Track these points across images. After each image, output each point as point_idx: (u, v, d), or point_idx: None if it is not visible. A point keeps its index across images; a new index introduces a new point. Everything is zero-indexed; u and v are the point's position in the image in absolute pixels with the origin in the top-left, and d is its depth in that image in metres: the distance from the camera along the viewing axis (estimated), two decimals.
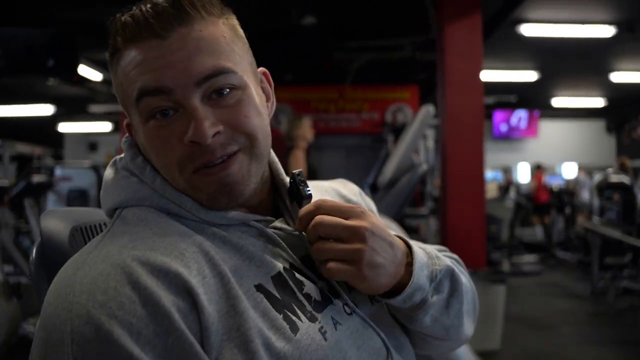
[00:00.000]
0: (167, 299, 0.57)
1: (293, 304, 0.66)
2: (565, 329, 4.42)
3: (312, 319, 0.66)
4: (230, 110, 0.66)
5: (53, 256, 0.75)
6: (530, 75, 8.77)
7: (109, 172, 0.75)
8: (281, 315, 0.63)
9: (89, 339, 0.54)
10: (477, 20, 4.54)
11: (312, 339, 0.63)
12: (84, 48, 5.57)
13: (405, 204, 2.66)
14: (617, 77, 8.93)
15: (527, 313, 4.96)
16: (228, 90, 0.66)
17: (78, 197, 5.93)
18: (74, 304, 0.56)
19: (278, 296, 0.65)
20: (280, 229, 0.73)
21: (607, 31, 6.32)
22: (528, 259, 8.07)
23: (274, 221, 0.73)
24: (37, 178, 5.04)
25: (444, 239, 4.51)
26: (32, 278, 0.77)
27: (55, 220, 0.79)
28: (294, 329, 0.63)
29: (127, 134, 0.74)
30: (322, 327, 0.65)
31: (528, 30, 6.26)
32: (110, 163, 0.76)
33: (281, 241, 0.70)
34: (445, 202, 4.48)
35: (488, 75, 7.51)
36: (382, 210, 2.60)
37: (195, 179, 0.66)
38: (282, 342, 0.61)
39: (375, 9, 5.68)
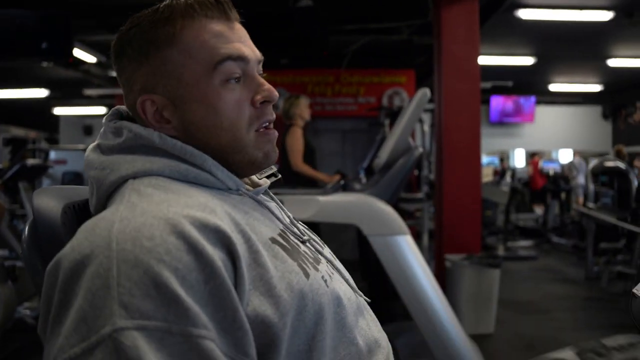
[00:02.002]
0: (210, 250, 0.60)
1: (300, 256, 0.75)
2: (559, 313, 4.45)
3: (316, 269, 0.75)
4: None
5: (45, 234, 0.75)
6: (527, 61, 8.75)
7: (95, 155, 0.76)
8: (296, 263, 0.72)
9: (137, 282, 0.56)
10: (474, 4, 4.51)
11: (319, 284, 0.73)
12: (78, 30, 5.51)
13: (400, 187, 2.66)
14: (614, 62, 8.92)
15: (522, 297, 4.99)
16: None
17: (73, 180, 5.92)
18: (118, 250, 0.57)
19: (289, 247, 0.74)
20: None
21: (604, 16, 6.30)
22: (523, 244, 8.11)
23: (258, 192, 0.83)
24: (31, 161, 5.02)
25: (440, 223, 4.53)
26: (24, 257, 0.76)
27: (47, 198, 0.78)
28: (307, 274, 0.72)
29: (110, 117, 0.80)
30: (322, 276, 0.75)
31: (525, 14, 6.23)
32: (93, 147, 0.78)
33: (271, 209, 0.81)
34: (441, 187, 4.49)
35: (485, 60, 7.49)
36: (377, 193, 2.59)
37: (258, 138, 0.78)
38: (301, 283, 0.69)
39: None
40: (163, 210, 0.63)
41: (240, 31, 0.79)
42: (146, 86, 0.76)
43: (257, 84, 0.78)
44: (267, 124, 0.79)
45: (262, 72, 0.81)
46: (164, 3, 0.77)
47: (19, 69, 8.32)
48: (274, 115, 0.81)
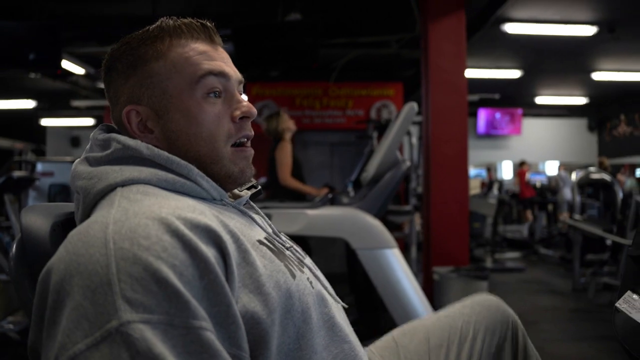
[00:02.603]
0: (203, 247, 0.63)
1: (286, 258, 0.78)
2: (546, 324, 4.47)
3: (301, 271, 0.78)
4: None
5: (33, 252, 0.75)
6: (513, 74, 8.84)
7: (83, 167, 0.78)
8: (283, 264, 0.75)
9: (138, 278, 0.57)
10: (462, 18, 4.56)
11: (305, 284, 0.76)
12: (66, 42, 5.50)
13: (388, 200, 2.68)
14: (599, 76, 9.04)
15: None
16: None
17: (59, 192, 5.86)
18: (116, 249, 0.59)
19: (276, 249, 0.78)
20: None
21: (588, 31, 6.40)
22: (511, 256, 8.14)
23: (240, 202, 0.87)
24: (18, 173, 4.97)
25: (427, 236, 4.54)
26: (11, 274, 0.76)
27: (36, 216, 0.78)
28: (293, 275, 0.75)
29: (99, 131, 0.83)
30: (308, 278, 0.79)
31: (511, 29, 6.31)
32: (81, 160, 0.80)
33: (254, 220, 0.85)
34: (429, 199, 4.51)
35: (472, 73, 7.57)
36: (365, 207, 2.60)
37: (235, 153, 0.83)
38: (288, 282, 0.72)
39: (361, 6, 5.69)
40: (155, 212, 0.65)
41: (223, 54, 0.85)
42: (132, 97, 0.81)
43: (237, 100, 0.84)
44: (245, 139, 0.85)
45: (242, 92, 0.87)
46: (154, 24, 0.83)
47: (6, 79, 8.27)
48: (252, 132, 0.86)
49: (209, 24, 0.86)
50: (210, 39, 0.84)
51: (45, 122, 12.52)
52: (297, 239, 0.99)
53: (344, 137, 7.87)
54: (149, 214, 0.64)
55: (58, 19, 4.93)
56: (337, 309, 0.83)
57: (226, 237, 0.68)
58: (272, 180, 4.01)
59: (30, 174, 5.35)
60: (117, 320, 0.55)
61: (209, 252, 0.63)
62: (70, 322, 0.56)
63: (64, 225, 0.80)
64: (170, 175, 0.75)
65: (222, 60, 0.84)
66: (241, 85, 0.87)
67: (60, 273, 0.60)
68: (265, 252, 0.74)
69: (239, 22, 4.54)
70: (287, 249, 0.85)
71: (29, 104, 10.53)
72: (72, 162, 6.17)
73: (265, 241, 0.78)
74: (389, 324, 2.98)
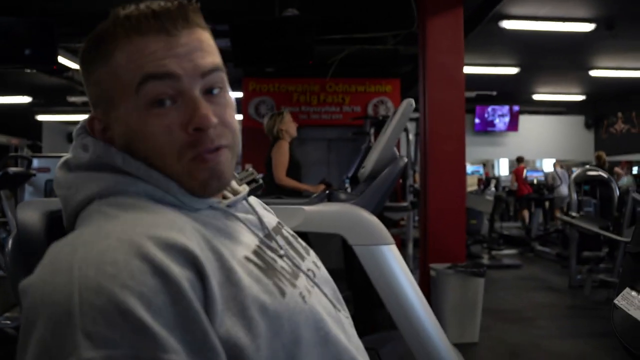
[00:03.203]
0: (176, 270, 0.58)
1: (277, 273, 0.72)
2: (542, 321, 4.48)
3: (293, 286, 0.72)
4: (221, 108, 0.72)
5: (29, 247, 0.74)
6: (511, 70, 8.85)
7: (62, 173, 0.75)
8: (271, 282, 0.69)
9: (101, 309, 0.53)
10: (459, 14, 4.56)
11: (296, 302, 0.70)
12: (62, 37, 5.48)
13: (385, 197, 2.67)
14: (597, 73, 9.05)
15: (506, 306, 5.02)
16: (218, 90, 0.73)
17: None
18: (80, 277, 0.55)
19: (264, 266, 0.71)
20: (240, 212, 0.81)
21: (586, 27, 6.41)
22: (507, 252, 8.16)
23: (233, 205, 0.80)
24: (14, 169, 4.95)
25: (424, 232, 4.54)
26: (7, 270, 0.76)
27: (31, 211, 0.77)
28: (282, 293, 0.69)
29: (79, 132, 0.77)
30: (300, 292, 0.73)
31: (509, 25, 6.31)
32: (61, 164, 0.76)
33: (246, 223, 0.78)
34: (426, 196, 4.51)
35: (469, 70, 7.56)
36: (362, 203, 2.60)
37: (192, 166, 0.71)
38: (276, 304, 0.67)
39: (358, 2, 5.68)
40: (127, 232, 0.60)
41: (185, 45, 0.70)
42: (92, 104, 0.75)
43: (192, 107, 0.69)
44: (209, 152, 0.71)
45: (218, 83, 0.73)
46: (104, 22, 0.73)
47: (2, 75, 8.24)
48: (221, 142, 0.72)
49: (171, 5, 0.71)
50: (166, 31, 0.69)
51: (41, 117, 12.50)
52: (300, 236, 0.95)
53: (341, 133, 7.87)
54: (120, 234, 0.60)
55: (53, 15, 4.90)
56: (336, 319, 0.78)
57: (206, 257, 0.63)
58: (269, 179, 4.01)
59: (27, 170, 5.33)
60: (75, 357, 0.51)
61: (183, 275, 0.58)
62: (34, 355, 0.54)
63: (59, 221, 0.80)
64: (149, 187, 0.70)
65: (174, 56, 0.69)
66: (215, 76, 0.72)
67: (30, 299, 0.57)
68: (251, 270, 0.69)
69: (236, 18, 4.51)
70: (281, 257, 0.78)
71: (24, 99, 10.51)
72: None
73: (253, 256, 0.72)
74: (387, 321, 2.98)
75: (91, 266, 0.56)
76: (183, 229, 0.65)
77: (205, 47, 0.72)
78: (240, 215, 0.79)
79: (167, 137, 0.69)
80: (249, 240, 0.75)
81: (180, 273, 0.58)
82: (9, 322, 4.10)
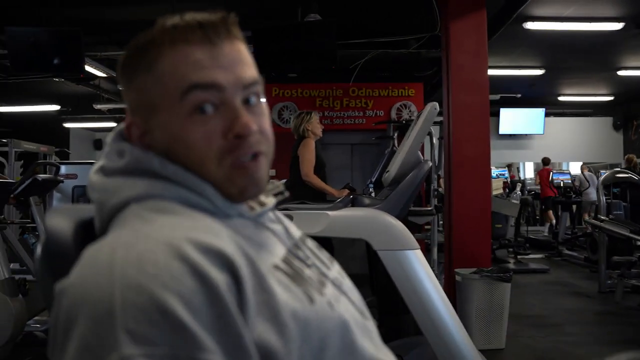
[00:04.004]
0: (214, 273, 0.60)
1: (305, 281, 0.73)
2: (571, 327, 4.40)
3: (321, 294, 0.74)
4: (258, 117, 0.76)
5: (58, 253, 0.75)
6: (536, 72, 8.74)
7: (98, 177, 0.76)
8: (300, 289, 0.70)
9: (142, 308, 0.55)
10: (482, 17, 4.52)
11: (324, 309, 0.71)
12: (88, 46, 5.58)
13: (411, 201, 2.65)
14: (625, 73, 8.89)
15: (533, 311, 4.94)
16: (256, 100, 0.76)
17: (83, 194, 5.95)
18: (122, 277, 0.57)
19: (293, 274, 0.73)
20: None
21: (614, 26, 6.29)
22: (534, 257, 8.04)
23: (261, 214, 0.81)
24: (43, 175, 5.06)
25: (449, 237, 4.50)
26: (37, 275, 0.77)
27: (60, 218, 0.78)
28: (311, 300, 0.70)
29: (115, 138, 0.79)
30: (328, 301, 0.74)
31: (534, 26, 6.23)
32: (96, 169, 0.77)
33: (274, 233, 0.79)
34: (450, 200, 4.47)
35: (494, 72, 7.49)
36: (387, 208, 2.58)
37: (232, 173, 0.73)
38: (305, 310, 0.68)
39: (380, 6, 5.67)
40: (166, 235, 0.62)
41: (228, 56, 0.73)
42: (131, 109, 0.77)
43: (234, 116, 0.72)
44: (246, 160, 0.73)
45: (259, 94, 0.77)
46: (149, 29, 0.75)
47: (31, 84, 8.41)
48: (259, 148, 0.74)
49: (214, 17, 0.74)
50: (209, 40, 0.73)
51: (69, 125, 12.72)
52: (319, 239, 0.95)
53: (364, 138, 7.85)
54: (159, 236, 0.62)
55: (79, 25, 5.00)
56: (364, 328, 0.78)
57: (241, 262, 0.64)
58: (294, 178, 4.01)
59: (55, 177, 5.43)
60: (117, 354, 0.53)
61: (221, 278, 0.60)
62: (75, 352, 0.55)
63: (87, 228, 0.80)
64: (183, 191, 0.72)
65: (219, 67, 0.72)
66: (254, 88, 0.76)
67: (70, 298, 0.58)
68: (281, 278, 0.70)
69: (259, 23, 4.54)
70: (309, 266, 0.80)
71: (53, 107, 10.71)
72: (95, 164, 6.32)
73: (282, 264, 0.73)
74: (412, 326, 2.95)
75: (132, 266, 0.57)
76: (219, 234, 0.66)
77: (244, 58, 0.76)
78: (269, 224, 0.80)
79: (207, 143, 0.72)
80: (277, 249, 0.77)
81: (217, 276, 0.60)
82: (38, 325, 4.17)
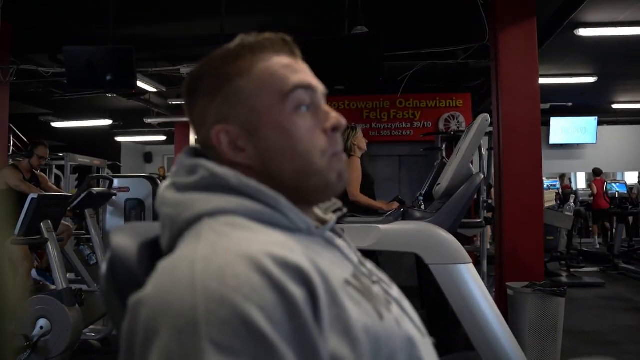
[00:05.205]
0: (292, 287, 0.61)
1: (373, 297, 0.74)
2: (630, 346, 4.22)
3: (388, 311, 0.74)
4: None
5: (122, 271, 0.77)
6: (588, 80, 8.50)
7: (170, 193, 0.77)
8: (370, 305, 0.71)
9: (225, 320, 0.56)
10: (533, 25, 4.44)
11: (392, 326, 0.72)
12: (139, 61, 5.74)
13: (462, 214, 2.61)
14: None
15: (589, 327, 4.77)
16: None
17: (135, 207, 6.09)
18: (204, 289, 0.58)
19: (363, 289, 0.74)
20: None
21: None
22: (588, 270, 7.78)
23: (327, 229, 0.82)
24: (97, 189, 5.22)
25: (500, 250, 4.40)
26: (102, 291, 0.79)
27: (123, 237, 0.80)
28: (381, 316, 0.71)
29: (188, 154, 0.81)
30: (395, 318, 0.75)
31: (586, 32, 6.07)
32: (168, 185, 0.79)
33: (341, 249, 0.81)
34: (501, 212, 4.38)
35: (544, 81, 7.32)
36: (439, 221, 2.55)
37: (333, 161, 0.80)
38: (376, 326, 0.69)
39: (428, 17, 5.64)
40: (244, 249, 0.63)
41: (305, 66, 0.84)
42: (219, 117, 0.79)
43: (325, 112, 0.82)
44: (339, 150, 0.83)
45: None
46: (234, 42, 0.81)
47: (85, 99, 8.71)
48: (342, 145, 0.84)
49: (288, 37, 0.84)
50: (291, 52, 0.83)
51: (120, 139, 13.12)
52: (367, 254, 0.95)
53: (412, 150, 7.78)
54: (238, 250, 0.63)
55: (131, 42, 5.16)
56: (425, 346, 0.79)
57: (316, 277, 0.65)
58: (342, 197, 4.01)
59: (108, 190, 5.59)
60: None
61: (299, 292, 0.61)
62: None
63: (151, 246, 0.82)
64: (258, 206, 0.73)
65: (307, 72, 0.83)
66: (324, 98, 0.84)
67: (149, 309, 0.60)
68: (352, 293, 0.71)
69: (306, 37, 4.58)
70: (374, 282, 0.81)
71: (105, 122, 11.07)
72: (147, 177, 6.41)
73: (352, 279, 0.74)
74: (463, 341, 2.89)
75: (213, 279, 0.59)
76: (294, 250, 0.67)
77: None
78: (334, 240, 0.82)
79: (310, 137, 0.79)
80: (345, 265, 0.78)
81: (295, 290, 0.61)
82: (93, 334, 4.29)
